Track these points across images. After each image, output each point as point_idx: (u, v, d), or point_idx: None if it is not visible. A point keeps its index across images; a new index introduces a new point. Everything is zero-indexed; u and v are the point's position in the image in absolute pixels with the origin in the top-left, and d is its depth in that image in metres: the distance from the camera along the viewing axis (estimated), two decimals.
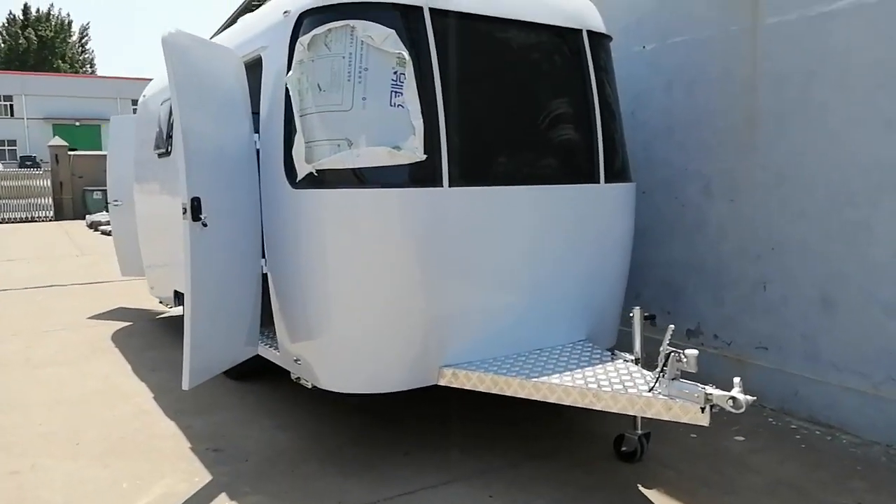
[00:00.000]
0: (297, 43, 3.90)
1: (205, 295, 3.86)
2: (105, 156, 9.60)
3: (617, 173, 4.56)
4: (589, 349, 4.31)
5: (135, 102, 19.11)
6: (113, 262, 8.92)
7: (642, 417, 3.78)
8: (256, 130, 4.32)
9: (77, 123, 46.90)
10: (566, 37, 4.42)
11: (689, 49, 5.29)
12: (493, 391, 3.84)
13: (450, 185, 3.83)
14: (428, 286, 3.86)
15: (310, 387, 4.26)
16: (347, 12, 3.80)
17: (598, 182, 4.44)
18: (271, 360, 4.61)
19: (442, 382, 4.00)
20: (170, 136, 6.19)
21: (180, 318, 7.95)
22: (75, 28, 70.02)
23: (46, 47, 60.90)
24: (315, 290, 3.95)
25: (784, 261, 4.74)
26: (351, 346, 3.96)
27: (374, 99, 3.74)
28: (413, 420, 4.65)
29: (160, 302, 7.56)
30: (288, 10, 4.08)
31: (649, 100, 5.61)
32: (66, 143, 24.93)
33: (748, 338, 5.02)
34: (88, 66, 66.36)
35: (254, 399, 5.16)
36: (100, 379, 5.77)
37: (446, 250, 3.86)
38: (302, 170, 3.83)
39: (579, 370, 3.87)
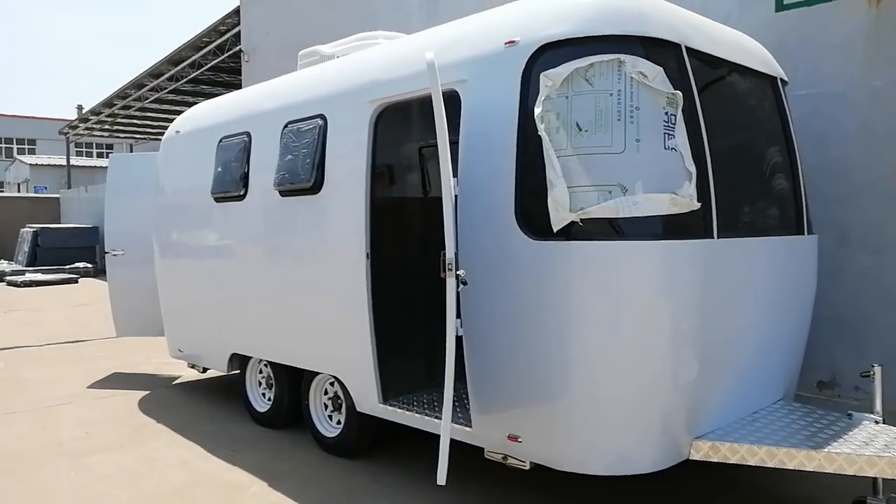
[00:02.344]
0: (542, 76, 3.46)
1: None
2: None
3: (811, 224, 4.41)
4: (811, 410, 4.06)
5: None
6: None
7: (884, 480, 3.57)
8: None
9: None
10: (769, 83, 4.27)
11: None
12: (769, 464, 3.48)
13: (718, 237, 3.50)
14: (689, 347, 3.47)
15: (527, 467, 3.70)
16: (601, 46, 3.42)
17: (804, 233, 4.27)
18: (453, 437, 3.99)
19: (697, 457, 3.58)
20: (246, 177, 5.42)
21: (210, 383, 6.97)
22: None
23: None
24: (563, 355, 3.44)
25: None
26: (603, 418, 3.46)
27: (648, 141, 3.35)
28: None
29: (192, 366, 6.55)
30: (514, 40, 3.63)
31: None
32: None
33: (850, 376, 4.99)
34: None
35: (389, 479, 4.46)
36: (179, 467, 4.80)
37: (710, 306, 3.50)
38: (561, 219, 3.34)
39: (840, 437, 3.59)
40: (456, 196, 3.74)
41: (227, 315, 5.76)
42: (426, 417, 4.19)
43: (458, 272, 3.14)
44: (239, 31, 13.15)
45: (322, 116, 4.79)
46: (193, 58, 16.22)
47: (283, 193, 5.06)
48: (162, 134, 11.05)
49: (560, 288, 3.41)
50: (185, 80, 17.70)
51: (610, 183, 3.32)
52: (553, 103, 3.44)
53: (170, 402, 6.44)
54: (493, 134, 3.63)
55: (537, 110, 3.43)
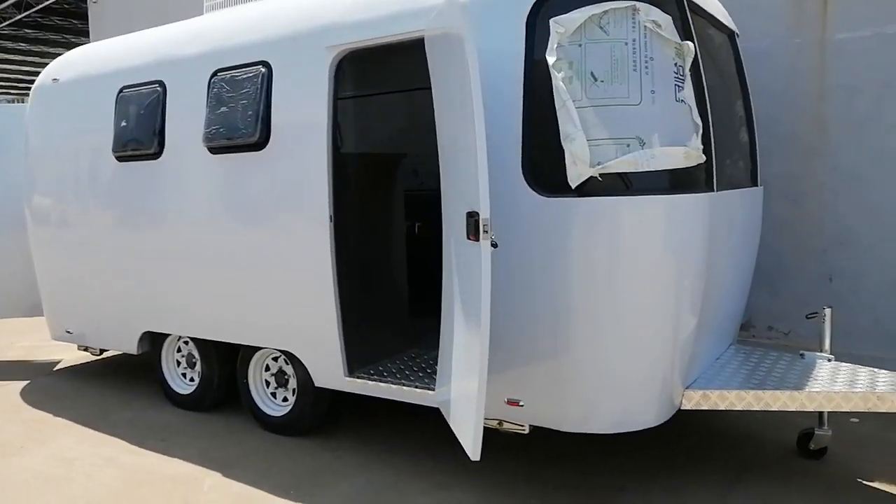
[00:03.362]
0: (553, 22, 3.26)
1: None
2: None
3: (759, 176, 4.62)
4: (765, 353, 4.31)
5: None
6: None
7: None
8: None
9: None
10: (727, 37, 4.37)
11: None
12: (755, 408, 3.62)
13: (717, 190, 3.53)
14: (691, 301, 3.51)
15: (526, 431, 3.60)
16: None
17: (757, 185, 4.46)
18: (422, 403, 3.82)
19: (689, 406, 3.66)
20: (160, 133, 4.74)
21: (100, 365, 6.18)
22: None
23: None
24: (576, 315, 3.33)
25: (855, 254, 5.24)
26: (606, 378, 3.42)
27: (662, 92, 3.28)
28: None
29: (84, 349, 5.73)
30: None
31: None
32: None
33: (809, 328, 5.45)
34: None
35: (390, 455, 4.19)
36: (105, 464, 4.18)
37: (706, 260, 3.55)
38: (580, 174, 3.20)
39: (808, 376, 3.84)
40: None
41: (136, 290, 5.06)
42: (404, 387, 3.94)
43: (491, 234, 2.90)
44: None
45: (265, 63, 4.25)
46: None
47: (215, 150, 4.47)
48: None
49: (575, 245, 3.29)
50: (5, 23, 15.29)
51: (628, 136, 3.22)
52: (565, 51, 3.26)
53: (61, 391, 5.61)
54: (493, 84, 3.39)
55: (550, 59, 3.24)
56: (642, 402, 3.47)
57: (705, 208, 3.42)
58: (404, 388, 3.93)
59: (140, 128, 4.87)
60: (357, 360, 4.18)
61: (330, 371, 4.20)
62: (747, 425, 4.53)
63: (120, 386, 5.63)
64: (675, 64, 3.34)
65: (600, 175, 3.19)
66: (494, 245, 2.93)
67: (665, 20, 3.29)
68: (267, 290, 4.36)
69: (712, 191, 3.49)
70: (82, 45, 6.13)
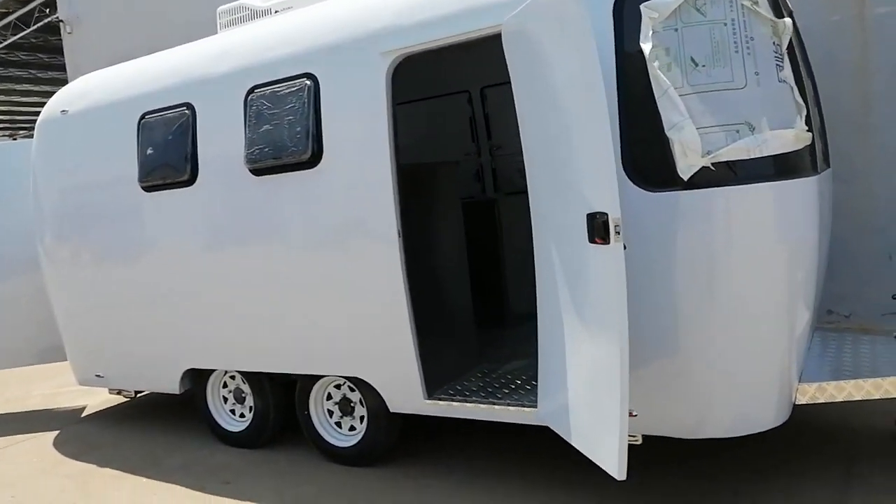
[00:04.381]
0: (644, 8, 3.07)
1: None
2: None
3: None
4: (856, 338, 4.17)
5: None
6: None
7: None
8: None
9: None
10: (791, 17, 4.22)
11: None
12: (875, 397, 3.44)
13: (819, 173, 3.37)
14: (803, 292, 3.33)
15: (639, 442, 3.39)
16: None
17: (830, 167, 4.32)
18: (519, 421, 3.59)
19: (803, 401, 3.47)
20: (192, 158, 4.45)
21: (129, 407, 5.84)
22: None
23: None
24: (694, 317, 3.13)
25: None
26: (722, 380, 3.23)
27: (766, 74, 3.10)
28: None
29: (118, 393, 5.39)
30: None
31: None
32: None
33: (872, 308, 5.33)
34: None
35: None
36: None
37: (817, 248, 3.38)
38: (691, 165, 3.00)
39: None
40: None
41: (176, 326, 4.74)
42: (495, 407, 3.71)
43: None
44: None
45: (310, 76, 3.99)
46: None
47: (259, 172, 4.19)
48: None
49: (688, 241, 3.09)
50: None
51: (737, 121, 3.04)
52: (660, 37, 3.07)
53: (98, 439, 5.24)
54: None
55: (646, 46, 3.04)
56: (761, 402, 3.28)
57: (814, 192, 3.26)
58: (495, 407, 3.70)
59: (169, 155, 4.56)
60: (434, 381, 3.94)
61: (407, 395, 3.94)
62: (832, 416, 4.36)
63: (161, 428, 5.30)
64: (774, 43, 3.17)
65: (712, 164, 3.00)
66: (623, 247, 2.72)
67: None
68: (329, 315, 4.09)
69: (817, 173, 3.33)
70: (51, 79, 5.76)
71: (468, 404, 3.78)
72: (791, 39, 3.27)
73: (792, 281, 3.20)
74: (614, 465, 2.71)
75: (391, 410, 4.04)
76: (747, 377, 3.23)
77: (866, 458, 3.78)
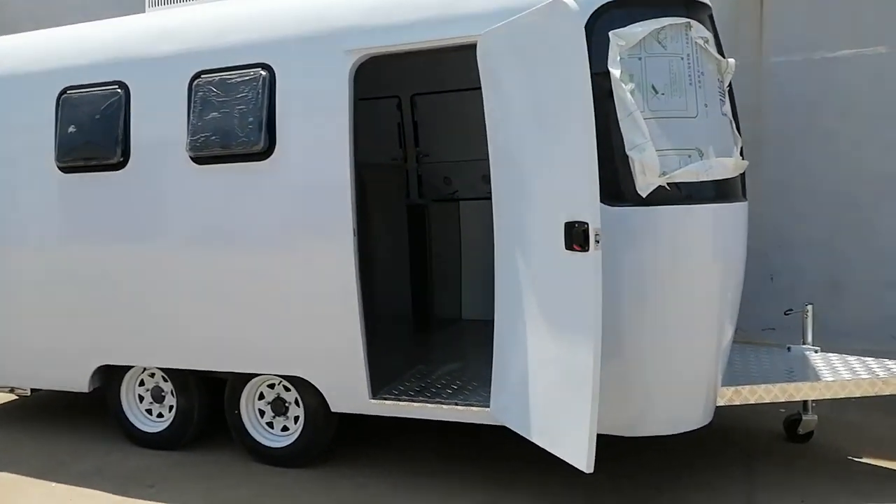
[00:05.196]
0: (613, 35, 3.31)
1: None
2: None
3: None
4: (756, 348, 4.63)
5: None
6: None
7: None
8: None
9: None
10: None
11: None
12: (780, 400, 3.89)
13: (743, 199, 3.75)
14: (733, 302, 3.70)
15: None
16: (671, 7, 3.40)
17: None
18: (472, 420, 3.72)
19: (721, 403, 3.84)
20: (123, 141, 4.23)
21: (14, 408, 5.38)
22: None
23: None
24: (642, 323, 3.40)
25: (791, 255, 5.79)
26: (661, 381, 3.52)
27: (712, 106, 3.44)
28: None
29: (10, 391, 4.93)
30: None
31: None
32: None
33: (754, 322, 5.94)
34: None
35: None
36: None
37: (743, 266, 3.76)
38: (649, 184, 3.27)
39: (809, 367, 4.18)
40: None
41: (88, 320, 4.43)
42: (443, 406, 3.80)
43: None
44: None
45: (265, 66, 3.93)
46: None
47: (203, 160, 4.05)
48: None
49: (639, 253, 3.35)
50: None
51: (689, 147, 3.35)
52: (626, 64, 3.33)
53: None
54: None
55: (615, 70, 3.28)
56: (693, 403, 3.60)
57: (744, 216, 3.63)
58: (443, 406, 3.79)
59: (95, 135, 4.30)
60: (378, 381, 3.97)
61: (350, 395, 3.95)
62: (727, 420, 4.80)
63: (59, 430, 4.91)
64: (718, 80, 3.53)
65: (667, 184, 3.29)
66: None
67: (709, 37, 3.47)
68: (270, 314, 4.01)
69: (745, 200, 3.71)
70: None
71: (415, 404, 3.84)
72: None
73: (718, 295, 3.54)
74: (582, 458, 2.89)
75: (332, 410, 4.02)
76: (683, 379, 3.53)
77: (763, 457, 4.23)
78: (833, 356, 4.38)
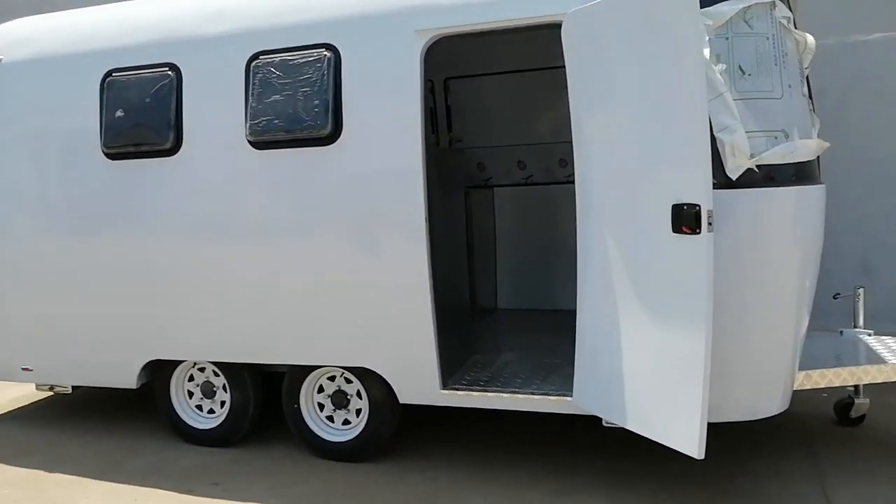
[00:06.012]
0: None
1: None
2: None
3: None
4: (820, 334, 4.59)
5: None
6: None
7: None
8: None
9: None
10: None
11: None
12: (849, 383, 3.92)
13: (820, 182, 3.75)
14: (807, 288, 3.69)
15: None
16: None
17: None
18: (552, 410, 3.67)
19: (795, 387, 3.84)
20: (176, 126, 4.09)
21: (49, 404, 5.21)
22: None
23: None
24: (731, 307, 3.36)
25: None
26: (743, 367, 3.49)
27: (795, 87, 3.41)
28: None
29: (50, 389, 4.76)
30: None
31: None
32: None
33: None
34: None
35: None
36: None
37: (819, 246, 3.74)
38: (739, 166, 3.23)
39: (871, 351, 4.18)
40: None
41: (138, 313, 4.28)
42: (518, 396, 3.74)
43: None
44: None
45: (330, 47, 3.82)
46: None
47: (262, 145, 3.93)
48: None
49: (733, 237, 3.27)
50: None
51: (776, 128, 3.32)
52: (713, 44, 3.28)
53: (25, 443, 4.58)
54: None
55: (705, 51, 3.24)
56: (772, 389, 3.58)
57: (822, 199, 3.62)
58: (519, 396, 3.73)
59: (145, 120, 4.15)
60: (446, 371, 3.90)
61: (420, 386, 3.87)
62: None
63: (103, 427, 4.75)
64: (798, 60, 3.51)
65: (757, 167, 3.26)
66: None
67: (790, 17, 3.45)
68: (336, 304, 3.91)
69: (822, 183, 3.70)
70: None
71: (489, 394, 3.78)
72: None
73: (804, 277, 3.52)
74: (694, 445, 2.86)
75: (401, 401, 3.94)
76: (763, 366, 3.50)
77: (822, 441, 4.24)
78: (889, 339, 4.41)
